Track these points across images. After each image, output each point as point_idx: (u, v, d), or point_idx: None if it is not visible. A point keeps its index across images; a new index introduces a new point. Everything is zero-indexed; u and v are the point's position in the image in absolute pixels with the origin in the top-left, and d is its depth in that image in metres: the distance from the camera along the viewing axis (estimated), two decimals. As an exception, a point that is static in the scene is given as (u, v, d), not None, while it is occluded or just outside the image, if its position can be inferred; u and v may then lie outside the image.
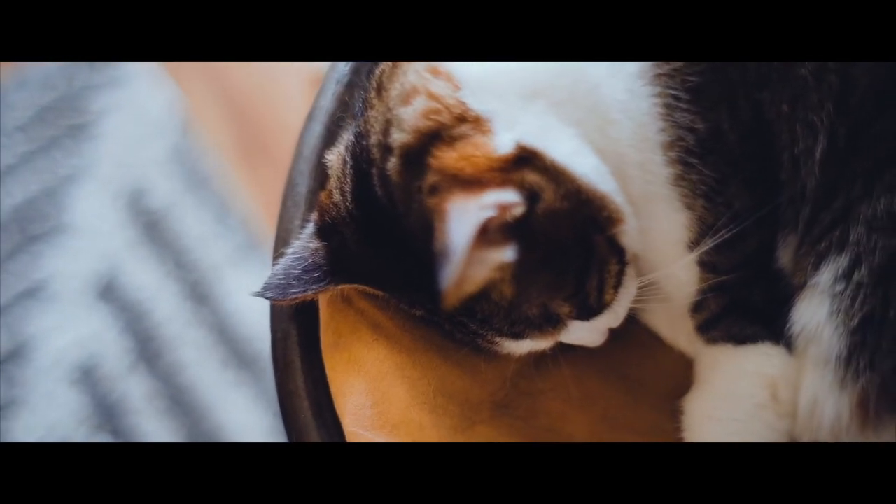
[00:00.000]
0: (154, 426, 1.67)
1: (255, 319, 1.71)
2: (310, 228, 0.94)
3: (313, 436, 0.93)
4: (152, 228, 1.80)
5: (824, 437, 0.88)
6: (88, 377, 1.71)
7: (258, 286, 0.92)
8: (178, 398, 1.70)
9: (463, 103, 0.85)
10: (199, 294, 1.76)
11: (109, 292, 1.76)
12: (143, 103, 1.89)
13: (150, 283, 1.77)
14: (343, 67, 1.07)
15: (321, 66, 1.10)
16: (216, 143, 1.87)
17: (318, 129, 1.04)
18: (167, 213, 1.81)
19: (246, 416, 1.68)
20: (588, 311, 0.89)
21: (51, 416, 1.68)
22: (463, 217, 0.79)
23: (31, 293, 1.75)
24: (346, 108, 1.01)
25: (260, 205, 1.80)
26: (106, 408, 1.69)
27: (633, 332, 0.97)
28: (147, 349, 1.72)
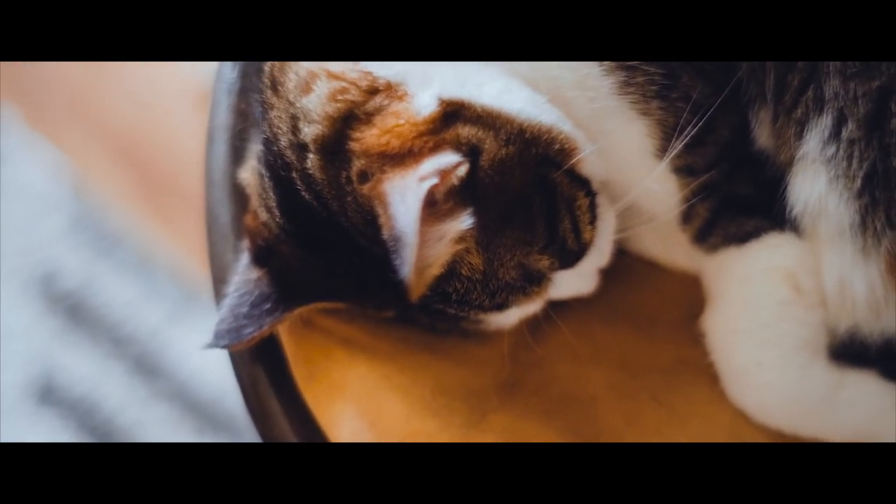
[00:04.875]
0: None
1: (217, 374, 1.70)
2: (245, 258, 0.93)
3: (315, 480, 0.93)
4: (75, 312, 1.78)
5: (861, 314, 0.88)
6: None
7: (208, 337, 0.91)
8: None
9: (368, 73, 0.85)
10: (147, 367, 1.75)
11: (50, 394, 1.74)
12: (25, 179, 1.87)
13: (91, 372, 1.75)
14: (229, 75, 1.06)
15: (204, 82, 1.09)
16: (117, 195, 1.85)
17: (221, 149, 1.04)
18: (86, 289, 1.80)
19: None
20: (570, 257, 0.89)
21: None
22: (404, 195, 0.79)
23: (-33, 420, 1.74)
24: (247, 118, 1.00)
25: (185, 249, 1.79)
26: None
27: (625, 266, 0.97)
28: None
